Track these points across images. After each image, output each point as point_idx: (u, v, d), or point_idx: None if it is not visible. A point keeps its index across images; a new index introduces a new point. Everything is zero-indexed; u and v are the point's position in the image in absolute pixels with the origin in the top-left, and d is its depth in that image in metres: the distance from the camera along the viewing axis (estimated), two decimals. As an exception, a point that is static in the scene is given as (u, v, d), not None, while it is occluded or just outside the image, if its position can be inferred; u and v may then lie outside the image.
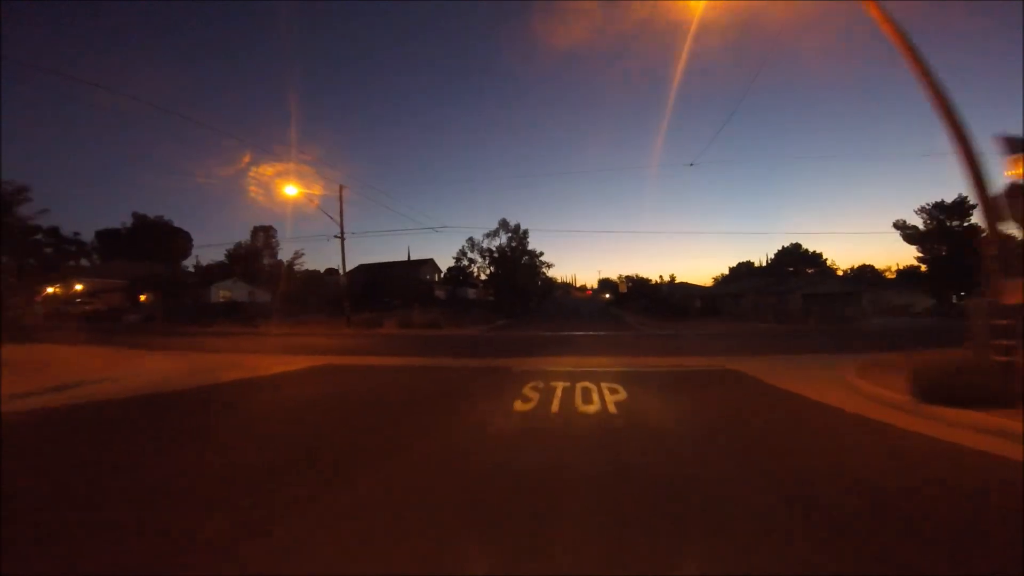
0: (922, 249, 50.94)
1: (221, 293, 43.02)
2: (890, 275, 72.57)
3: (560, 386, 8.17)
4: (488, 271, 51.44)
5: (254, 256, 57.11)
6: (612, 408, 6.49)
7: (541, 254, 53.29)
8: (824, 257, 73.13)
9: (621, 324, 31.04)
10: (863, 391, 7.83)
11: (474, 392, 7.97)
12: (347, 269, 62.92)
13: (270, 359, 13.19)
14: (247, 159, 27.84)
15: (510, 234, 50.90)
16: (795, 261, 71.99)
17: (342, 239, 27.07)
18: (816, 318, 30.11)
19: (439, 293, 52.41)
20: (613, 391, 7.71)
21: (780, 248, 74.91)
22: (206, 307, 37.99)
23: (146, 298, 42.30)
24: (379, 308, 39.19)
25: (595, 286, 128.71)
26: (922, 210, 50.73)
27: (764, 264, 79.78)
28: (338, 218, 27.71)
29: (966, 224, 48.49)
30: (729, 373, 10.05)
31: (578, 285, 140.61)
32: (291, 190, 24.31)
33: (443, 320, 27.26)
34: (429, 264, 56.17)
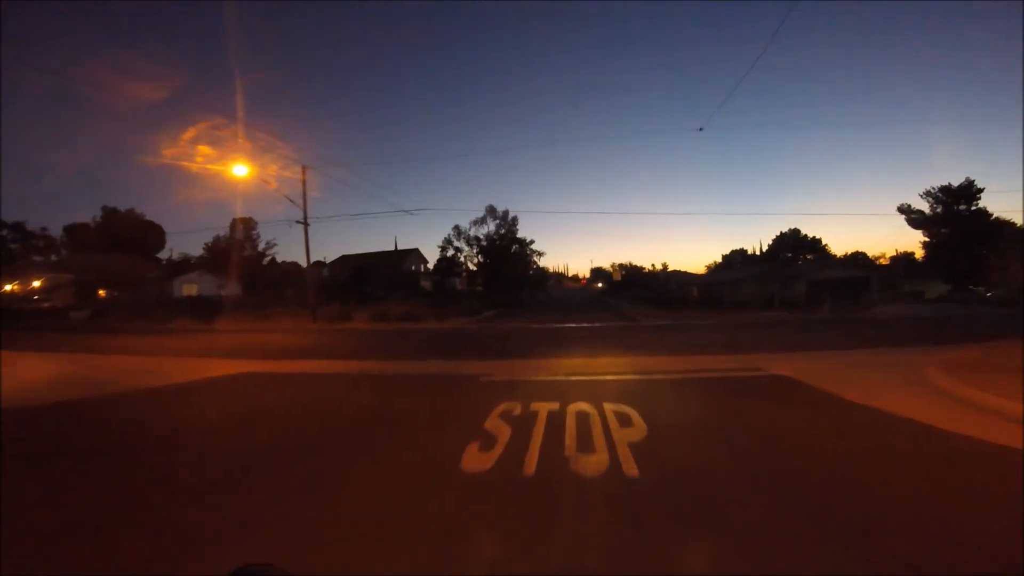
0: (928, 234, 48.91)
1: (186, 287, 39.86)
2: (883, 262, 70.80)
3: (544, 411, 5.49)
4: (476, 260, 48.62)
5: (235, 248, 54.02)
6: (628, 464, 3.81)
7: (531, 242, 50.56)
8: (824, 243, 70.99)
9: (618, 314, 28.47)
10: (991, 407, 5.28)
11: (414, 424, 5.26)
12: (330, 260, 59.90)
13: (191, 363, 10.53)
14: (191, 133, 24.51)
15: (498, 221, 48.07)
16: (794, 247, 69.81)
17: (305, 224, 24.13)
18: (828, 305, 27.68)
19: (425, 284, 49.52)
20: (624, 420, 5.05)
21: (779, 233, 72.68)
22: (168, 302, 34.94)
23: (105, 294, 39.13)
24: (362, 300, 36.39)
25: (587, 275, 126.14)
26: (928, 194, 48.64)
27: (758, 252, 77.71)
28: (302, 202, 24.71)
29: (973, 208, 46.45)
30: (774, 380, 7.42)
31: (570, 274, 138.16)
32: (241, 170, 21.27)
33: (422, 312, 24.52)
34: (415, 254, 53.12)
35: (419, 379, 8.20)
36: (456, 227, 48.65)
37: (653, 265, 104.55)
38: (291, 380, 8.43)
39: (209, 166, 22.04)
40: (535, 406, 5.72)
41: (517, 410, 5.57)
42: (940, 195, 47.36)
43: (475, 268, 48.90)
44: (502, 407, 5.70)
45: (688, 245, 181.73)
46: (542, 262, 57.74)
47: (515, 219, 48.29)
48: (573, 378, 7.74)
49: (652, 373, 8.09)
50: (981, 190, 46.21)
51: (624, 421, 5.02)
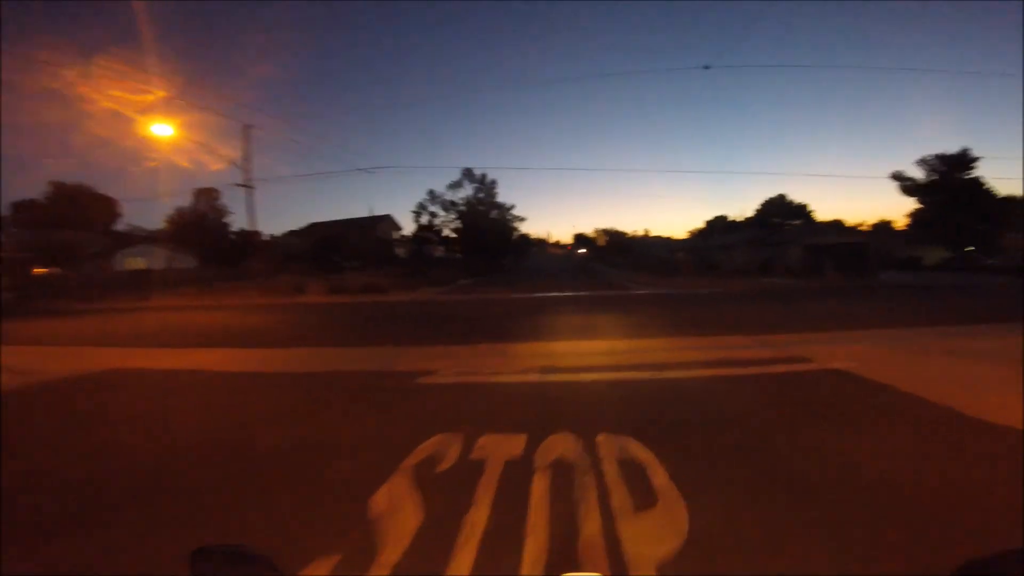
0: (922, 201, 47.74)
1: (129, 261, 36.48)
2: (864, 228, 69.75)
3: (498, 461, 3.14)
4: (454, 226, 45.66)
5: (200, 220, 50.19)
6: None
7: (512, 207, 47.62)
8: (810, 209, 69.37)
9: (607, 282, 26.25)
10: None
11: (243, 494, 2.81)
12: (298, 228, 56.14)
13: (69, 355, 8.12)
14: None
15: (476, 184, 44.93)
16: (782, 212, 67.98)
17: (247, 188, 21.05)
18: (833, 273, 25.81)
19: (400, 252, 46.58)
20: (640, 486, 2.72)
21: (767, 199, 70.61)
22: (111, 278, 31.73)
23: (46, 271, 35.60)
24: (330, 270, 33.65)
25: (571, 241, 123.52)
26: (923, 162, 47.24)
27: (741, 219, 75.79)
28: (246, 164, 21.54)
29: (968, 177, 45.28)
30: (842, 381, 5.18)
31: (553, 241, 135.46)
32: (163, 129, 18.08)
33: (388, 282, 21.95)
34: (387, 220, 49.80)
35: (332, 380, 5.77)
36: (431, 191, 45.32)
37: (635, 231, 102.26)
38: (159, 383, 5.94)
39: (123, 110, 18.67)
40: (483, 446, 3.37)
41: (451, 455, 3.22)
42: (935, 163, 45.86)
43: (453, 235, 46.02)
44: (426, 448, 3.34)
45: (670, 211, 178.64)
46: (524, 228, 54.90)
47: (494, 182, 45.20)
48: (552, 378, 5.40)
49: (662, 368, 5.78)
50: (977, 158, 44.78)
51: (640, 488, 2.69)
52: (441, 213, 45.39)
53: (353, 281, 21.34)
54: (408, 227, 49.34)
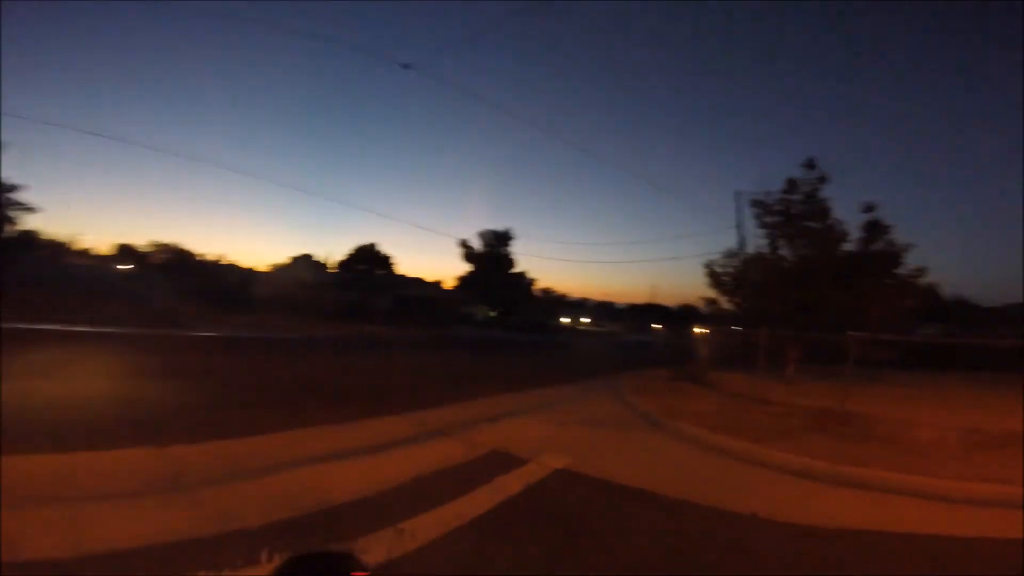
0: (474, 267, 60.58)
1: None
2: (430, 282, 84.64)
3: None
4: None
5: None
6: None
7: (15, 188, 29.48)
8: (394, 261, 77.06)
9: (160, 315, 18.61)
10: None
11: None
12: None
13: None
14: None
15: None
16: (370, 260, 72.33)
17: None
18: (416, 323, 27.67)
19: None
20: None
21: (358, 246, 73.73)
22: None
23: None
24: None
25: (114, 253, 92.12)
26: (480, 234, 60.57)
27: (327, 263, 76.86)
28: None
29: (505, 252, 60.95)
30: (587, 489, 3.42)
31: (83, 248, 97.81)
32: None
33: None
34: None
35: None
36: None
37: (208, 254, 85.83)
38: None
39: None
40: None
41: None
42: (487, 236, 59.70)
43: None
44: None
45: (258, 236, 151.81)
46: (35, 222, 34.70)
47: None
48: None
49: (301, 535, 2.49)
50: (514, 237, 61.44)
51: None
52: None
53: None
54: None
